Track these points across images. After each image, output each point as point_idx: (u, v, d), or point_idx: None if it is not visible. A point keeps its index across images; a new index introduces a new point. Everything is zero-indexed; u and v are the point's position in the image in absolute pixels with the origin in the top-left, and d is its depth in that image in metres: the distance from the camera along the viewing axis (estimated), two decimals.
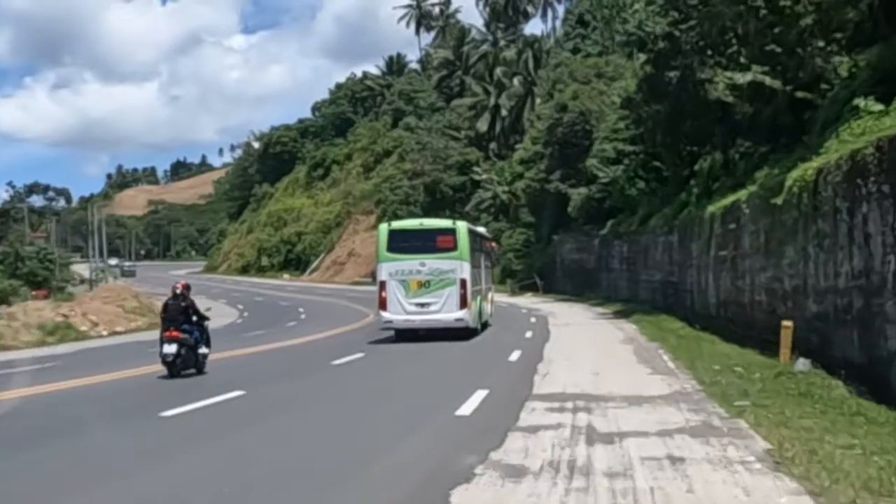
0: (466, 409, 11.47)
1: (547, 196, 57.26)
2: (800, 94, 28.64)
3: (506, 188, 68.70)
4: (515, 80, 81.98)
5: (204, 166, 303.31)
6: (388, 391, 14.61)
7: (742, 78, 29.54)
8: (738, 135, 34.77)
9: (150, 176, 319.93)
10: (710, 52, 34.18)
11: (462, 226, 26.54)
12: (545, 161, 56.79)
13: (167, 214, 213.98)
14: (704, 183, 35.00)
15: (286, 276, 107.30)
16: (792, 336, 14.88)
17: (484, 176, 71.61)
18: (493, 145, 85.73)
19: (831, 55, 28.59)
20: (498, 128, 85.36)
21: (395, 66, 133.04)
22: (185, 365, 17.01)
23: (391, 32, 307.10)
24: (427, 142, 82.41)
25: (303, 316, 46.01)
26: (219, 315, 49.77)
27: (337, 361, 19.79)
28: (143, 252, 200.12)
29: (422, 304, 25.02)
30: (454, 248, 25.33)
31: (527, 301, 50.63)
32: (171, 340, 16.65)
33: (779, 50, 28.37)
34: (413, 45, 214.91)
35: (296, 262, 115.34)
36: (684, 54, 35.37)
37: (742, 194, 23.31)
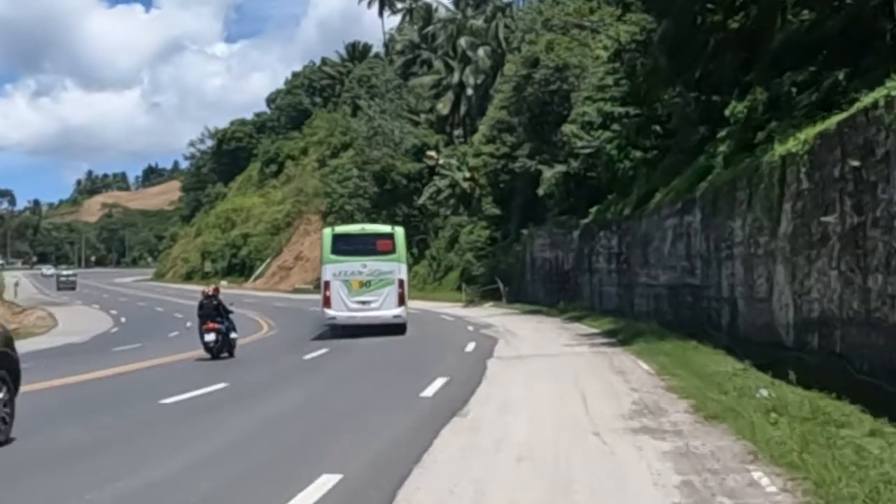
0: None
1: (515, 179, 44.89)
2: None
3: (466, 174, 56.25)
4: (481, 52, 69.35)
5: (176, 172, 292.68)
6: None
7: None
8: (783, 67, 22.61)
9: (120, 182, 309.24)
10: None
11: (399, 231, 28.47)
12: (512, 135, 44.41)
13: (121, 219, 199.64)
14: (741, 134, 22.89)
15: (224, 283, 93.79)
16: None
17: (441, 160, 59.04)
18: (457, 132, 73.33)
19: None
20: (463, 109, 72.83)
21: (358, 52, 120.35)
22: (221, 349, 20.82)
23: (375, 38, 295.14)
24: (379, 124, 69.69)
25: (172, 335, 33.73)
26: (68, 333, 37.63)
27: None
28: (93, 259, 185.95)
29: (363, 302, 26.43)
30: (393, 250, 26.97)
31: (483, 313, 38.18)
32: (209, 331, 20.62)
33: None
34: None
35: (240, 268, 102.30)
36: None
37: (879, 95, 10.98)
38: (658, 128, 33.92)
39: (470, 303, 46.00)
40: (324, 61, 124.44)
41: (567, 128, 37.59)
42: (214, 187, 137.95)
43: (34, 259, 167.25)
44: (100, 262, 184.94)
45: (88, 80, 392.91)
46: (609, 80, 36.54)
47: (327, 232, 28.41)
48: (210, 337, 20.40)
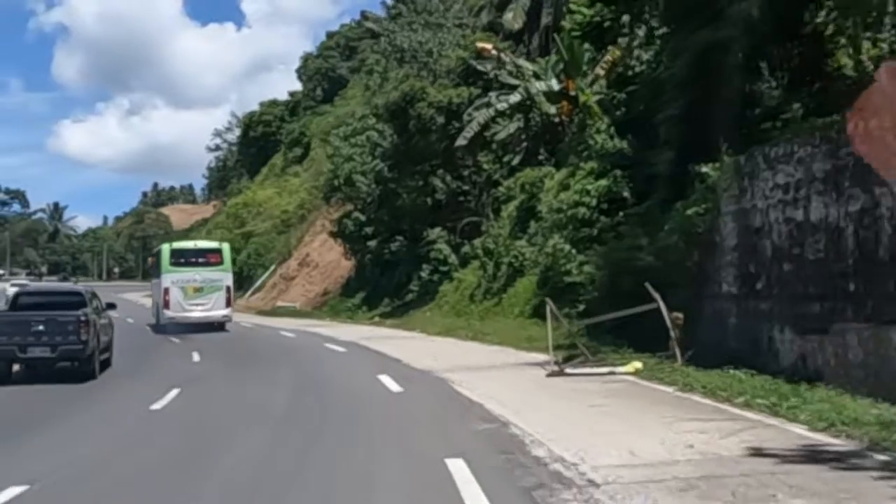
0: None
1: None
2: None
3: (555, 84, 28.27)
4: None
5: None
6: None
7: None
8: None
9: (187, 194, 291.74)
10: None
11: (226, 246, 37.24)
12: None
13: (152, 225, 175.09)
14: None
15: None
16: None
17: (507, 63, 31.24)
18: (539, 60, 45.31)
19: None
20: (545, 20, 44.88)
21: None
22: None
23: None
24: (404, 39, 42.11)
25: None
26: None
27: None
28: (117, 270, 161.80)
29: (197, 304, 32.74)
30: (221, 262, 34.43)
31: (630, 474, 9.68)
32: None
33: None
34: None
35: (237, 278, 75.32)
36: None
37: None
38: None
39: (572, 361, 17.52)
40: (364, 16, 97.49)
41: None
42: (238, 182, 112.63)
43: (43, 270, 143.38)
44: (125, 275, 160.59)
45: (177, 98, 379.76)
46: None
47: (165, 247, 35.60)
48: None
